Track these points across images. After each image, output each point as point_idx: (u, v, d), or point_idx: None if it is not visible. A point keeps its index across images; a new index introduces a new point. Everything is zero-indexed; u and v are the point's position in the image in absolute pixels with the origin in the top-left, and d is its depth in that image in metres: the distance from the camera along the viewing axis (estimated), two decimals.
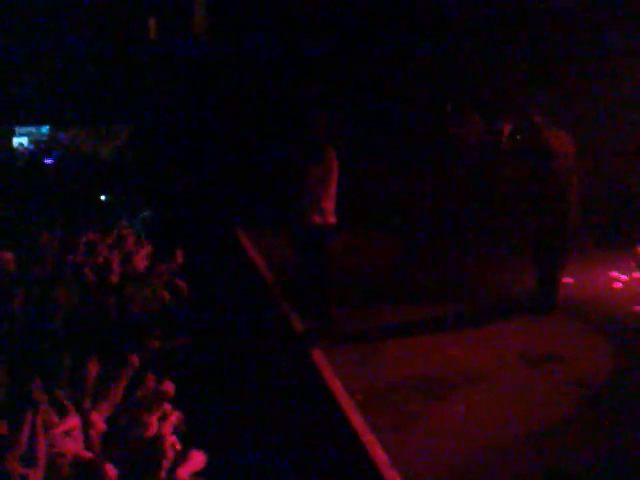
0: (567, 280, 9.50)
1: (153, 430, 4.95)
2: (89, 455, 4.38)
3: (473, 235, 11.80)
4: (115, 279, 7.59)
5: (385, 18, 15.31)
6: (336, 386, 6.29)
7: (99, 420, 4.82)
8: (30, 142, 22.21)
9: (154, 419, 5.06)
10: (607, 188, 11.94)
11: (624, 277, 9.55)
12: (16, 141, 22.87)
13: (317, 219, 7.25)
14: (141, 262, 8.49)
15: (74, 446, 4.36)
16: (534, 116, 8.24)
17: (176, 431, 5.06)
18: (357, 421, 5.63)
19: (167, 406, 5.24)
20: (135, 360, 5.42)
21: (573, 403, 6.01)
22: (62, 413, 4.63)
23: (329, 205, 7.32)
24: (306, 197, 7.26)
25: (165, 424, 5.08)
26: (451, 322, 8.06)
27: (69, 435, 4.43)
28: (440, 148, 13.65)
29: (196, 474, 4.67)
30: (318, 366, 6.79)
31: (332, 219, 7.37)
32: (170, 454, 4.65)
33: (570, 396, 6.13)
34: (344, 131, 12.75)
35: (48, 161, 19.57)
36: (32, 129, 21.88)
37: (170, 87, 19.08)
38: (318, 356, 7.01)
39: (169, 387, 5.48)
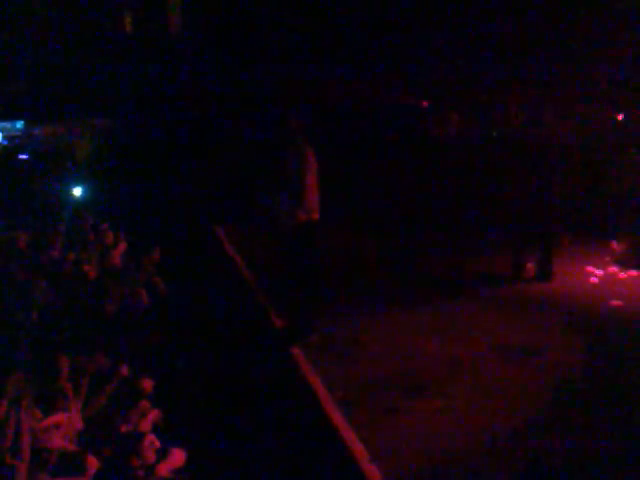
0: None
1: (131, 427, 4.94)
2: (73, 448, 4.37)
3: (450, 231, 11.83)
4: (92, 274, 7.55)
5: (362, 17, 15.33)
6: (316, 383, 6.29)
7: (77, 419, 4.80)
8: (4, 137, 21.97)
9: (132, 416, 5.05)
10: (583, 183, 12.03)
11: (600, 272, 9.61)
12: None
13: (302, 216, 7.19)
14: (118, 258, 8.45)
15: (60, 441, 4.35)
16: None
17: (155, 428, 5.04)
18: (337, 417, 5.63)
19: (145, 403, 5.22)
20: (125, 370, 5.41)
21: (551, 397, 6.05)
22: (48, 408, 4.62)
23: (313, 201, 7.27)
24: (288, 195, 7.20)
25: (144, 421, 5.06)
26: (429, 317, 8.08)
27: (56, 429, 4.42)
28: (418, 146, 13.69)
29: (176, 471, 4.65)
30: (298, 363, 6.78)
31: (316, 215, 7.33)
32: (149, 451, 4.64)
33: (549, 390, 6.16)
34: (321, 131, 12.74)
35: (22, 157, 19.35)
36: (6, 124, 21.64)
37: (146, 85, 19.00)
38: (298, 353, 7.00)
39: (147, 384, 5.46)
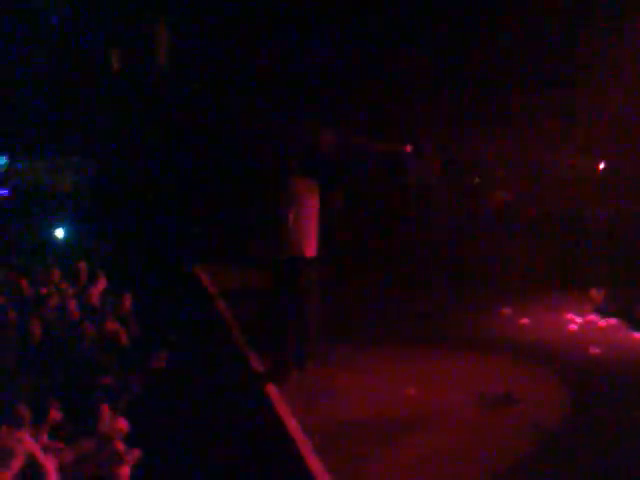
0: (523, 321, 9.60)
1: (108, 469, 4.89)
2: None
3: (431, 275, 11.84)
4: (75, 315, 7.51)
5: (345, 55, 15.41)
6: (293, 427, 6.22)
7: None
8: None
9: (108, 457, 5.00)
10: (563, 230, 12.13)
11: (579, 319, 9.64)
12: None
13: (300, 250, 7.11)
14: (96, 297, 8.40)
15: None
16: None
17: (133, 468, 4.99)
18: (314, 464, 5.56)
19: (120, 445, 5.17)
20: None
21: (529, 446, 6.00)
22: None
23: (310, 236, 7.19)
24: (286, 229, 7.10)
25: (120, 462, 5.01)
26: (406, 362, 8.05)
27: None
28: (400, 189, 13.74)
29: None
30: (275, 405, 6.73)
31: (312, 251, 7.24)
32: None
33: (526, 439, 6.12)
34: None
35: (3, 192, 19.24)
36: None
37: (129, 119, 19.01)
38: (275, 395, 6.94)
39: (122, 424, 5.41)
